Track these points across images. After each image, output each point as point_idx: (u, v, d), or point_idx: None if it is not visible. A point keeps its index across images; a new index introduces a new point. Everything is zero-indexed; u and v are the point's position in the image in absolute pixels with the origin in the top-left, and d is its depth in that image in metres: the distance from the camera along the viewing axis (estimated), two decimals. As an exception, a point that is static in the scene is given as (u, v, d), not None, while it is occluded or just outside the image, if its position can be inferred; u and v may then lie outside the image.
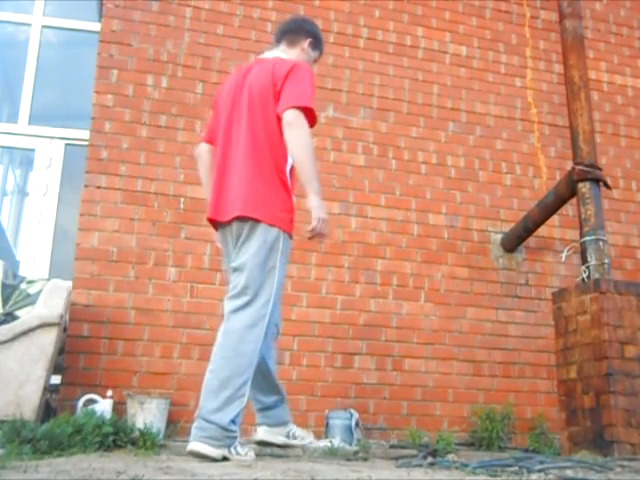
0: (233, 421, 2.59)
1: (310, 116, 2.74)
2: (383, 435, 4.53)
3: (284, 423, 2.91)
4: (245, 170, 2.78)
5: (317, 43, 3.11)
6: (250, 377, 2.63)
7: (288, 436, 2.85)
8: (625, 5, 6.10)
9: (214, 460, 2.51)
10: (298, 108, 2.69)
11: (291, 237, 2.84)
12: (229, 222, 2.80)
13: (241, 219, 2.76)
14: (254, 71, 2.91)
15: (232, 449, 2.59)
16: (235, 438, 2.60)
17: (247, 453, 2.62)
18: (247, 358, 2.62)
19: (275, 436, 2.84)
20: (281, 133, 2.75)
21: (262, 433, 2.88)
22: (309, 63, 3.07)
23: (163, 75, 4.87)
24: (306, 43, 3.05)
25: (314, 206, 2.69)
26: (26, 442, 2.62)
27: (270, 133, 2.79)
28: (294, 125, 2.68)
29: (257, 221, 2.73)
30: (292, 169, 2.85)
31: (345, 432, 4.18)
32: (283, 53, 3.02)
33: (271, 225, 2.73)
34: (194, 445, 2.56)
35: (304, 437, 2.85)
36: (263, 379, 2.87)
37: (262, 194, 2.75)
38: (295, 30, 3.08)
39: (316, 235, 2.73)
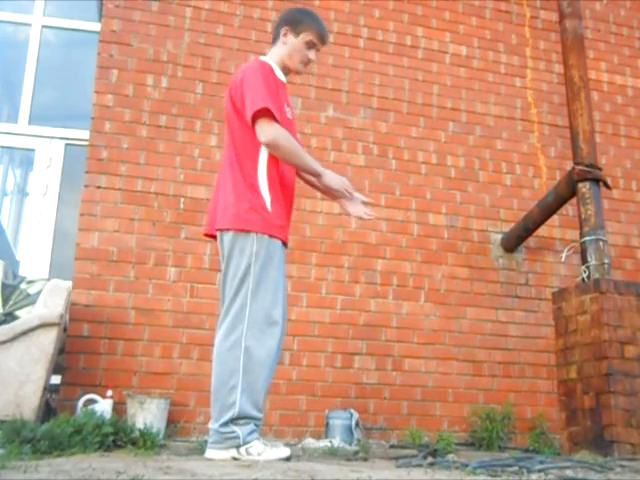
0: (227, 424, 2.61)
1: (271, 114, 2.70)
2: (383, 435, 4.53)
3: None
4: (224, 185, 2.81)
5: (295, 26, 2.89)
6: (239, 383, 2.60)
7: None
8: (625, 5, 6.10)
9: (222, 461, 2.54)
10: (258, 117, 2.68)
11: (273, 235, 2.73)
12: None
13: (219, 233, 2.79)
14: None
15: (242, 449, 2.59)
16: (237, 438, 2.60)
17: (262, 453, 2.57)
18: (227, 366, 2.63)
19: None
20: (245, 138, 2.77)
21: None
22: (300, 52, 2.90)
23: (163, 75, 4.87)
24: (282, 34, 2.92)
25: (327, 182, 2.87)
26: (26, 442, 2.62)
27: (237, 141, 2.81)
28: (269, 141, 2.70)
29: (226, 230, 2.74)
30: (275, 172, 2.80)
31: (345, 432, 4.18)
32: (268, 55, 2.98)
33: (238, 230, 2.70)
34: (206, 453, 2.68)
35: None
36: None
37: (229, 203, 2.74)
38: (276, 26, 2.99)
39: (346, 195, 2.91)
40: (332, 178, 2.91)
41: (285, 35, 2.92)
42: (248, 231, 2.69)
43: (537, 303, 5.13)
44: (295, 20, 2.93)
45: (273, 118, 2.70)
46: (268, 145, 2.73)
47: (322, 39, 2.96)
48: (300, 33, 2.90)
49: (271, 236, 2.72)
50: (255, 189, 2.73)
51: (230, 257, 2.72)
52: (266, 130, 2.70)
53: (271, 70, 2.84)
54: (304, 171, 2.95)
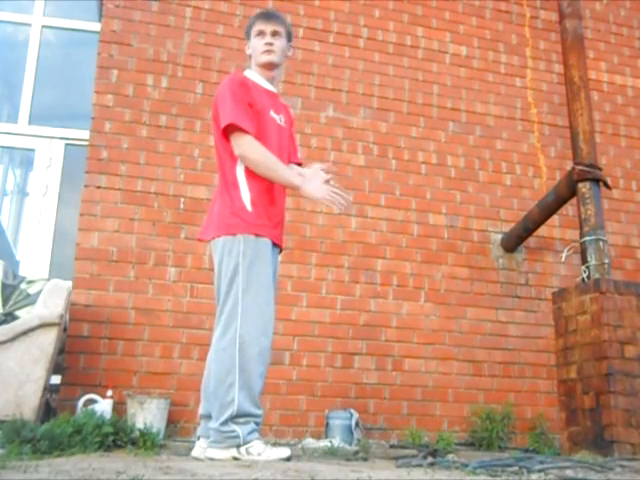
0: (226, 422, 2.61)
1: (239, 128, 2.80)
2: (383, 435, 4.53)
3: None
4: (217, 195, 2.96)
5: (247, 35, 3.12)
6: (236, 380, 2.62)
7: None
8: (625, 5, 6.10)
9: (221, 461, 2.53)
10: (228, 133, 2.82)
11: (259, 235, 2.78)
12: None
13: (212, 242, 2.89)
14: None
15: (242, 449, 2.59)
16: (237, 437, 2.60)
17: (262, 453, 2.57)
18: (224, 365, 2.66)
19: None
20: (226, 147, 2.88)
21: (197, 450, 2.81)
22: (257, 47, 3.04)
23: (163, 75, 4.87)
24: (247, 49, 3.15)
25: (309, 195, 2.84)
26: (26, 442, 2.62)
27: (220, 150, 2.93)
28: (239, 153, 2.81)
29: (217, 237, 2.83)
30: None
31: (345, 432, 4.18)
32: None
33: (226, 235, 2.79)
34: (206, 452, 2.68)
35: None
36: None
37: (216, 213, 2.88)
38: None
39: (338, 201, 2.86)
40: (313, 190, 2.85)
41: (248, 48, 3.14)
42: (234, 234, 2.77)
43: (537, 303, 5.13)
44: (245, 32, 3.18)
45: (242, 131, 2.80)
46: (240, 158, 2.84)
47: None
48: (250, 35, 3.11)
49: (257, 235, 2.78)
50: (235, 193, 2.83)
51: (221, 260, 2.80)
52: (235, 144, 2.83)
53: (241, 83, 2.93)
54: (280, 184, 2.90)
